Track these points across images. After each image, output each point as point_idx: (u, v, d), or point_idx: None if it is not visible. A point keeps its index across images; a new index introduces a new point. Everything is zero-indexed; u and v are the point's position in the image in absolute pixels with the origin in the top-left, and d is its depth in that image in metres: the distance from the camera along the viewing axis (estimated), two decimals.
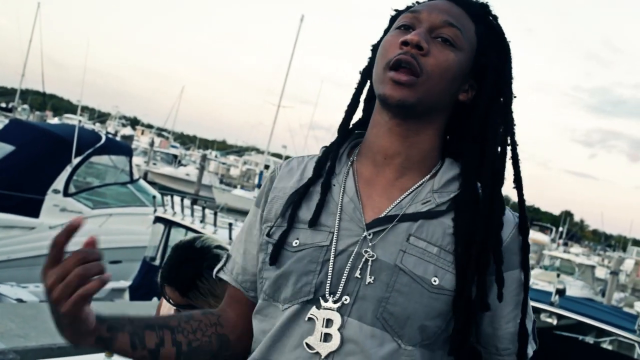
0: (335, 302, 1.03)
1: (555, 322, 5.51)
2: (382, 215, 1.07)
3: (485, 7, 1.15)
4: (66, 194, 8.70)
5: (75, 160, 8.79)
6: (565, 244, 54.10)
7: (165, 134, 58.78)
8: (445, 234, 1.06)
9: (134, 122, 76.71)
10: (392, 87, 1.03)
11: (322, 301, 1.03)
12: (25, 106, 47.18)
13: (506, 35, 1.16)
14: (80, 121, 12.83)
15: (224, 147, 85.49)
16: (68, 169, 8.71)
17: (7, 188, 8.14)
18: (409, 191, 1.10)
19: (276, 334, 1.06)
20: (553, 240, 51.59)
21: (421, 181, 1.11)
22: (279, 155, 53.61)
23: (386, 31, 1.18)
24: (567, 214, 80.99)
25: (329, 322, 1.02)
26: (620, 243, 62.74)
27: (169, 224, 7.69)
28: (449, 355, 1.09)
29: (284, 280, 1.07)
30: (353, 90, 1.24)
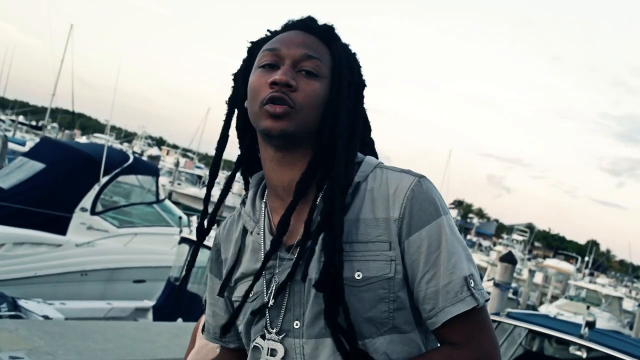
0: (278, 334, 1.14)
1: (584, 355, 5.40)
2: (297, 241, 1.15)
3: (331, 28, 1.22)
4: (93, 212, 8.80)
5: (103, 179, 8.91)
6: (591, 274, 53.06)
7: (190, 154, 59.33)
8: (353, 230, 1.12)
9: (159, 142, 77.59)
10: (271, 121, 1.11)
11: (266, 333, 1.16)
12: (55, 124, 48.02)
13: (350, 48, 1.24)
14: (108, 140, 13.01)
15: None
16: (96, 188, 8.82)
17: (36, 205, 8.28)
18: (312, 212, 1.15)
19: None
20: (579, 270, 50.71)
21: (320, 196, 1.16)
22: None
23: (245, 61, 1.26)
24: (594, 244, 79.66)
25: (272, 352, 1.14)
26: None
27: (194, 245, 7.74)
28: (420, 329, 1.14)
29: (247, 326, 1.21)
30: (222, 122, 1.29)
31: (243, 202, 1.27)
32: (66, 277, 8.43)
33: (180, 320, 6.90)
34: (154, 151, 42.44)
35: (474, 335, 1.10)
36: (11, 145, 17.82)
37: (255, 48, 1.24)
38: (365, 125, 1.26)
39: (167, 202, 10.72)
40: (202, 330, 1.39)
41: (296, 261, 1.12)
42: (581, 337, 4.68)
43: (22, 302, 6.70)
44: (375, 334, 1.09)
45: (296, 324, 1.12)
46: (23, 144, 20.32)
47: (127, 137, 65.21)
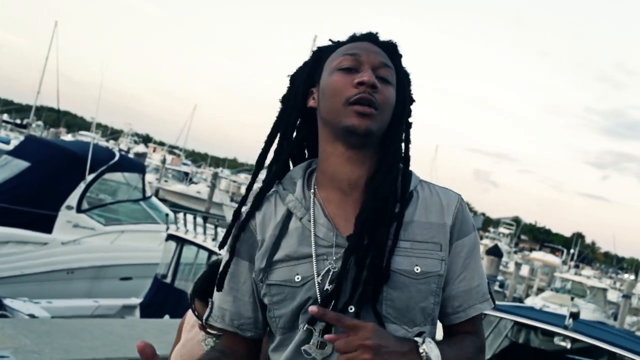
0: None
1: (569, 345, 5.46)
2: (353, 232, 1.24)
3: (396, 46, 1.35)
4: (79, 210, 8.75)
5: (89, 177, 8.85)
6: (577, 266, 53.54)
7: (177, 151, 59.05)
8: (413, 230, 1.27)
9: (146, 140, 77.23)
10: (358, 119, 1.21)
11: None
12: (40, 122, 47.60)
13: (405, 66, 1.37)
14: (94, 138, 12.93)
15: (235, 165, 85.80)
16: (82, 186, 8.77)
17: (21, 204, 8.21)
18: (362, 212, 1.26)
19: (290, 353, 1.24)
20: (564, 262, 51.15)
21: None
22: None
23: (309, 65, 1.36)
24: (579, 236, 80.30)
25: (324, 332, 1.19)
26: (632, 266, 62.08)
27: (181, 242, 7.72)
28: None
29: (299, 310, 1.23)
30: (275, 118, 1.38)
31: (285, 187, 1.33)
32: (52, 276, 8.38)
33: (167, 317, 6.89)
34: (141, 148, 42.29)
35: (480, 327, 1.35)
36: None
37: (321, 53, 1.35)
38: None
39: (154, 199, 10.68)
40: (207, 319, 1.36)
41: (356, 250, 1.21)
42: (565, 328, 4.72)
43: (7, 301, 6.66)
44: (424, 323, 1.24)
45: (351, 309, 1.19)
46: (7, 142, 20.16)
47: (114, 134, 64.75)
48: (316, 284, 1.21)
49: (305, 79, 1.35)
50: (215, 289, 1.35)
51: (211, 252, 7.17)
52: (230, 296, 1.33)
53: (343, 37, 1.38)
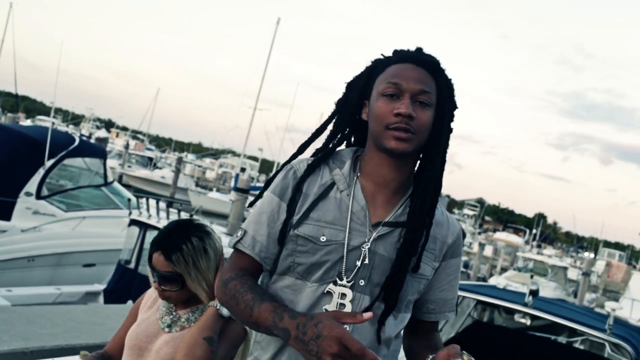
0: (349, 281, 1.46)
1: (528, 322, 5.56)
2: (384, 221, 1.51)
3: (438, 63, 1.54)
4: (39, 196, 8.56)
5: (48, 163, 8.66)
6: (539, 246, 54.75)
7: (140, 136, 58.16)
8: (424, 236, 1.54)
9: (108, 125, 75.78)
10: (396, 142, 1.45)
11: (338, 280, 1.46)
12: None
13: (449, 77, 1.56)
14: (53, 123, 12.62)
15: (199, 150, 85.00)
16: (41, 172, 8.57)
17: None
18: (400, 205, 1.54)
19: (309, 306, 1.46)
20: (527, 242, 52.19)
21: (406, 197, 1.55)
22: (254, 158, 53.39)
23: (364, 78, 1.58)
24: (541, 216, 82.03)
25: (342, 296, 1.45)
26: (592, 245, 63.68)
27: (144, 227, 7.63)
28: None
29: (316, 267, 1.47)
30: (325, 117, 1.65)
31: (338, 165, 1.56)
32: (12, 264, 8.20)
33: (130, 302, 6.81)
34: (102, 133, 41.50)
35: (437, 326, 1.72)
36: None
37: (374, 68, 1.57)
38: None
39: (116, 185, 10.51)
40: (235, 244, 1.54)
41: (404, 244, 1.47)
42: (525, 305, 4.82)
43: None
44: (405, 311, 1.56)
45: (361, 282, 1.46)
46: None
47: (75, 119, 63.44)
48: (345, 253, 1.46)
49: (360, 91, 1.58)
50: (253, 217, 1.55)
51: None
52: (266, 231, 1.53)
53: (392, 49, 1.58)
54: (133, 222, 7.82)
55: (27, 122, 39.04)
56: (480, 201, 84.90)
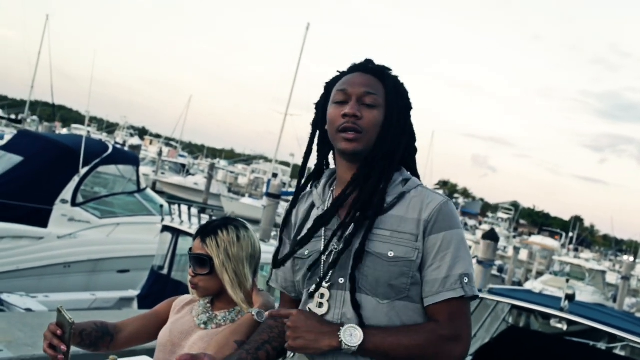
0: (326, 282, 1.57)
1: (565, 327, 5.45)
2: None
3: (384, 69, 1.68)
4: (74, 203, 8.70)
5: (83, 170, 8.80)
6: (576, 250, 53.65)
7: (173, 143, 58.93)
8: (394, 222, 1.57)
9: (142, 132, 77.00)
10: (345, 143, 1.59)
11: (320, 282, 1.58)
12: (35, 117, 47.42)
13: (399, 80, 1.69)
14: (89, 132, 12.86)
15: (232, 156, 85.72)
16: (76, 179, 8.72)
17: (16, 198, 8.17)
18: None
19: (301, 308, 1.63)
20: (563, 246, 51.26)
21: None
22: (286, 164, 53.60)
23: (323, 96, 1.73)
24: (577, 220, 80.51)
25: (322, 296, 1.57)
26: (631, 248, 62.23)
27: (177, 233, 7.69)
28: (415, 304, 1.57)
29: (304, 277, 1.65)
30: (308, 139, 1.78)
31: (316, 186, 1.73)
32: (49, 270, 8.36)
33: None
34: (135, 140, 42.14)
35: (454, 318, 1.52)
36: None
37: (329, 86, 1.71)
38: (411, 137, 1.70)
39: (149, 191, 10.63)
40: (268, 281, 1.81)
41: (348, 236, 1.56)
42: (561, 310, 4.71)
43: (4, 296, 6.64)
44: (394, 298, 1.53)
45: (341, 280, 1.55)
46: (1, 137, 20.06)
47: (110, 127, 64.62)
48: (323, 259, 1.59)
49: (322, 108, 1.72)
50: (272, 265, 1.76)
51: None
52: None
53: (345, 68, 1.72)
54: (165, 229, 7.89)
55: (64, 131, 39.86)
56: (515, 204, 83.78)
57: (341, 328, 1.46)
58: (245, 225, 2.07)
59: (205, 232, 2.00)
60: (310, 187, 1.76)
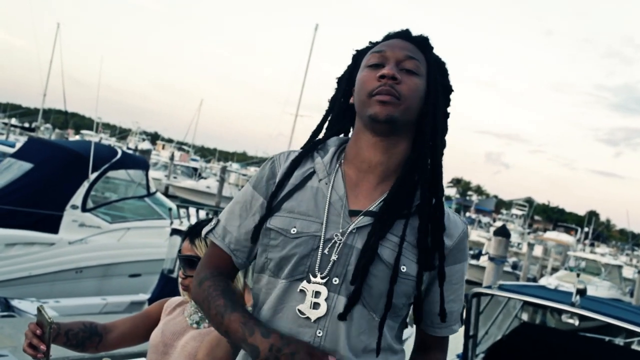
0: (322, 278, 1.30)
1: (577, 323, 5.39)
2: (364, 211, 1.35)
3: (426, 39, 1.45)
4: (84, 209, 8.74)
5: (93, 176, 8.83)
6: (592, 245, 53.24)
7: (185, 147, 59.22)
8: (412, 231, 1.35)
9: (154, 137, 77.38)
10: (379, 107, 1.32)
11: (311, 277, 1.30)
12: (48, 125, 47.77)
13: (441, 59, 1.47)
14: (101, 138, 12.92)
15: (244, 159, 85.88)
16: (85, 185, 8.75)
17: (26, 205, 8.22)
18: (386, 194, 1.37)
19: (275, 304, 1.33)
20: (579, 241, 50.82)
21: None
22: None
23: (350, 67, 1.50)
24: (593, 214, 79.86)
25: (317, 294, 1.29)
26: None
27: None
28: (406, 323, 1.45)
29: (285, 262, 1.33)
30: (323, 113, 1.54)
31: (320, 154, 1.45)
32: (61, 276, 8.40)
33: None
34: (145, 145, 42.25)
35: (446, 343, 1.51)
36: (0, 147, 17.71)
37: (359, 56, 1.48)
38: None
39: (159, 195, 10.64)
40: (207, 233, 1.47)
41: (371, 232, 1.31)
42: (572, 305, 4.64)
43: (15, 302, 6.68)
44: (395, 318, 1.37)
45: (335, 280, 1.30)
46: (13, 145, 20.18)
47: (122, 133, 65.01)
48: (319, 246, 1.31)
49: (347, 80, 1.50)
50: (226, 209, 1.47)
51: None
52: (238, 221, 1.44)
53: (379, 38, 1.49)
54: (175, 232, 7.90)
55: (76, 138, 40.17)
56: (529, 200, 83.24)
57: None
58: None
59: (193, 233, 1.99)
60: (315, 153, 1.47)
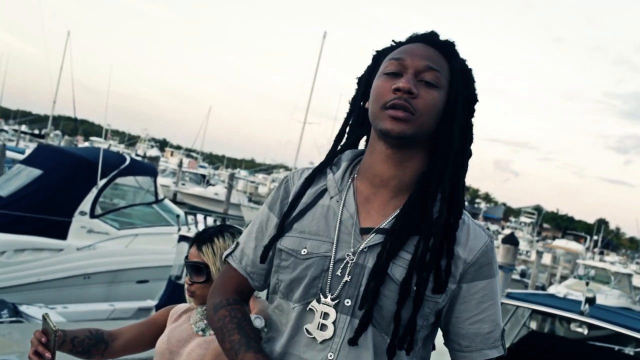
0: (333, 300, 1.25)
1: (586, 332, 5.34)
2: (376, 228, 1.29)
3: (452, 45, 1.35)
4: (93, 215, 8.77)
5: (101, 182, 8.86)
6: (602, 253, 52.86)
7: (193, 154, 59.39)
8: (426, 250, 1.25)
9: (163, 144, 77.71)
10: (391, 123, 1.25)
11: (322, 297, 1.26)
12: (58, 132, 48.09)
13: (467, 64, 1.37)
14: (110, 145, 12.99)
15: (252, 166, 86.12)
16: (94, 191, 8.79)
17: (35, 211, 8.26)
18: (399, 210, 1.29)
19: (291, 329, 1.29)
20: (588, 249, 50.50)
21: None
22: None
23: (370, 68, 1.42)
24: (602, 222, 79.37)
25: (325, 315, 1.25)
26: None
27: None
28: (424, 348, 1.34)
29: (296, 284, 1.30)
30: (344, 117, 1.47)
31: (333, 170, 1.39)
32: (69, 282, 8.42)
33: None
34: (153, 152, 42.46)
35: None
36: (10, 154, 17.85)
37: (379, 56, 1.39)
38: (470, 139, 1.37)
39: (167, 202, 10.67)
40: (227, 256, 1.47)
41: (382, 251, 1.24)
42: (581, 313, 4.61)
43: (23, 308, 6.70)
44: (415, 344, 1.28)
45: (347, 302, 1.25)
46: (22, 152, 20.35)
47: (131, 140, 65.32)
48: (330, 267, 1.26)
49: (365, 81, 1.41)
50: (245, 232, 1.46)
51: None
52: (254, 243, 1.42)
53: (403, 38, 1.40)
54: (182, 238, 7.90)
55: (85, 145, 40.38)
56: (538, 208, 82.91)
57: None
58: (242, 232, 2.05)
59: (201, 240, 1.98)
60: (329, 169, 1.41)
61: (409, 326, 1.24)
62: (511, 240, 10.73)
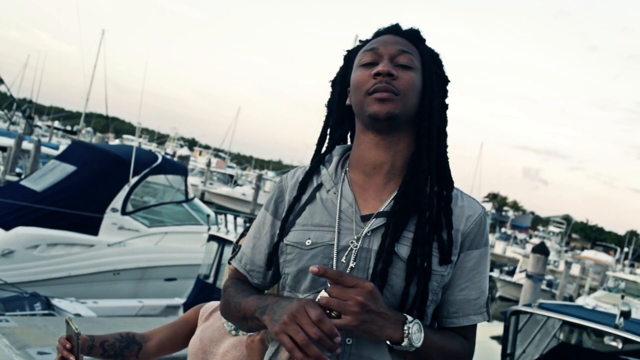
0: None
1: (620, 345, 5.23)
2: (376, 212, 1.33)
3: (418, 31, 1.43)
4: (124, 212, 8.90)
5: (133, 180, 8.99)
6: (632, 265, 51.83)
7: (222, 154, 59.77)
8: (426, 225, 1.30)
9: (192, 143, 78.38)
10: (379, 105, 1.30)
11: (329, 285, 1.22)
12: (89, 129, 48.83)
13: (435, 50, 1.44)
14: (140, 143, 13.14)
15: (279, 167, 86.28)
16: (126, 188, 8.91)
17: (68, 206, 8.41)
18: (395, 193, 1.35)
19: None
20: (618, 261, 49.57)
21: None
22: None
23: (342, 68, 1.49)
24: (634, 234, 77.72)
25: None
26: None
27: (222, 243, 7.76)
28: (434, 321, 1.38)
29: (303, 275, 1.33)
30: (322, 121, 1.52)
31: (325, 165, 1.45)
32: (99, 277, 8.55)
33: None
34: (184, 151, 42.86)
35: (472, 336, 1.40)
36: (45, 150, 18.16)
37: (350, 56, 1.47)
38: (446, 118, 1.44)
39: (196, 201, 10.77)
40: (230, 259, 1.55)
41: (385, 233, 1.28)
42: (616, 327, 4.53)
43: (55, 301, 6.81)
44: (414, 315, 1.28)
45: None
46: (56, 148, 20.68)
47: (160, 139, 66.02)
48: (334, 255, 1.29)
49: (340, 81, 1.48)
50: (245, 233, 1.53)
51: None
52: (252, 242, 1.48)
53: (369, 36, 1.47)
54: (212, 238, 7.96)
55: (116, 142, 40.94)
56: (567, 218, 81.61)
57: (407, 320, 1.22)
58: None
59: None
60: (321, 165, 1.47)
61: (419, 301, 1.28)
62: (541, 249, 10.56)
